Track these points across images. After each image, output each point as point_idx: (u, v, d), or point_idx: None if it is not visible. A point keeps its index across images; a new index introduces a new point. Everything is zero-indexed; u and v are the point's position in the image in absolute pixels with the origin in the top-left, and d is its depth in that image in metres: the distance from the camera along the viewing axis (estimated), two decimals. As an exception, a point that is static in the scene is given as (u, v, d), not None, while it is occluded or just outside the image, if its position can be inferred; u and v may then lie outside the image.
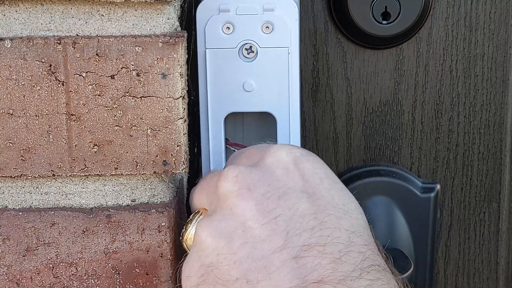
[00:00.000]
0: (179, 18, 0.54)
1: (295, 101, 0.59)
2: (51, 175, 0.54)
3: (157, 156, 0.53)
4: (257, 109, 0.59)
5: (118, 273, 0.55)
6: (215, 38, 0.58)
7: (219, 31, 0.58)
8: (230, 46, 0.58)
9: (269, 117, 0.60)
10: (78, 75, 0.52)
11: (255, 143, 0.61)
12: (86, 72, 0.52)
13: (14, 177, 0.54)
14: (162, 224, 0.54)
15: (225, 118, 0.60)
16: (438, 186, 0.72)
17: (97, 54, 0.52)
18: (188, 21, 0.58)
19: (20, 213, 0.54)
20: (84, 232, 0.54)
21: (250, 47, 0.58)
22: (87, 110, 0.53)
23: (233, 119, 0.63)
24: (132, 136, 0.53)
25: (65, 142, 0.53)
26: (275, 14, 0.57)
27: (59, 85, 0.52)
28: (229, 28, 0.58)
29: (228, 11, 0.57)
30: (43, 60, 0.52)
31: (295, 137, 0.60)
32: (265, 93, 0.58)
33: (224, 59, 0.58)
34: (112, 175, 0.54)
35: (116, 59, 0.52)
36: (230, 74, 0.58)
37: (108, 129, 0.53)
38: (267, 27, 0.57)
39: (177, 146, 0.53)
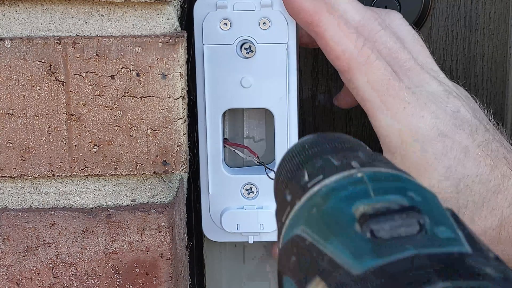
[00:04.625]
0: (179, 18, 0.54)
1: (293, 98, 0.58)
2: (51, 175, 0.54)
3: (157, 156, 0.53)
4: (254, 106, 0.59)
5: (118, 273, 0.55)
6: (212, 34, 0.57)
7: (216, 27, 0.57)
8: (228, 42, 0.58)
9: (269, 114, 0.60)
10: (78, 75, 0.52)
11: (255, 142, 0.61)
12: (86, 72, 0.52)
13: (14, 177, 0.54)
14: (162, 224, 0.54)
15: (225, 116, 0.60)
16: (438, 186, 0.72)
17: (97, 54, 0.52)
18: (188, 21, 0.58)
19: (20, 213, 0.54)
20: (84, 232, 0.54)
21: (250, 46, 0.57)
22: (87, 110, 0.53)
23: (233, 117, 0.63)
24: (132, 136, 0.53)
25: (65, 142, 0.53)
26: (272, 10, 0.57)
27: (59, 85, 0.52)
28: (226, 24, 0.57)
29: (225, 7, 0.57)
30: (43, 60, 0.52)
31: (293, 134, 0.59)
32: (263, 90, 0.58)
33: (221, 55, 0.58)
34: (112, 175, 0.54)
35: (116, 59, 0.52)
36: (228, 70, 0.58)
37: (108, 129, 0.53)
38: (264, 23, 0.57)
39: (177, 146, 0.53)
